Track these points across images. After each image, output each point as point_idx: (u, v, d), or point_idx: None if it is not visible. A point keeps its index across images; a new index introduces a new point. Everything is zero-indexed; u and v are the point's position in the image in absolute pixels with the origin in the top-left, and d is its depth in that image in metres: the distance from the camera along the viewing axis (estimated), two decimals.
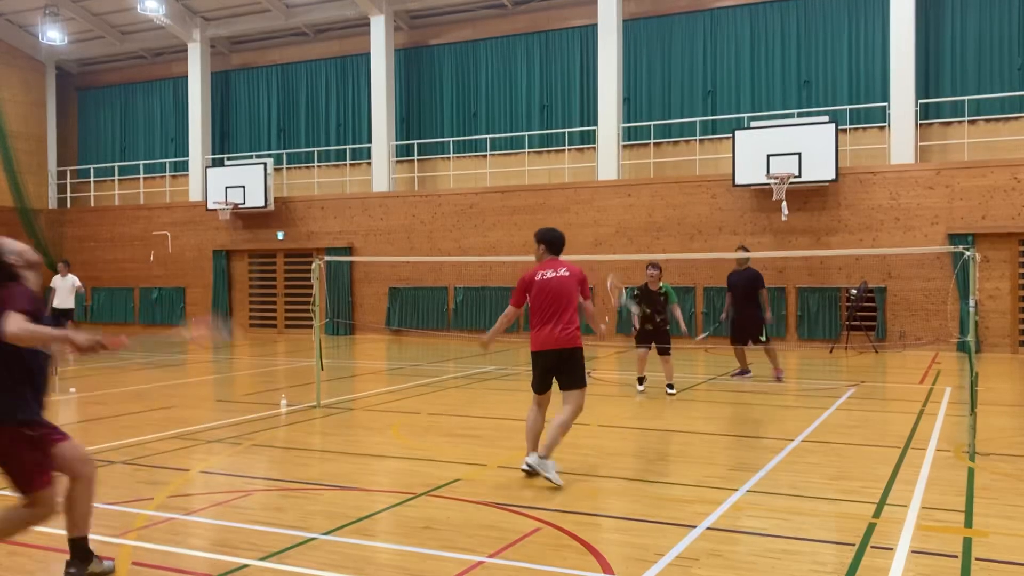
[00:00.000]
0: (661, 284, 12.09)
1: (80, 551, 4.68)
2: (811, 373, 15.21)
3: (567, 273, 7.06)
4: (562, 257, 7.31)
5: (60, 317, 19.26)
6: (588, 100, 22.45)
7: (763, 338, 13.18)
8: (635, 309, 12.05)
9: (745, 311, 13.27)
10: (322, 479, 7.12)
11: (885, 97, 19.48)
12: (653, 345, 12.14)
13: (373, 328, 23.63)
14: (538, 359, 7.11)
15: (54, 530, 5.69)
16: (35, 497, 4.42)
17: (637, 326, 12.21)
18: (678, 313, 12.16)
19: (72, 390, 12.89)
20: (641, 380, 12.29)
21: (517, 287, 7.15)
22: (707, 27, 21.46)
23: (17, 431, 4.34)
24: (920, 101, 19.15)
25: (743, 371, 13.91)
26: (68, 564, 4.68)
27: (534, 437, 7.08)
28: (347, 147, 25.31)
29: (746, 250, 13.79)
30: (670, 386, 11.95)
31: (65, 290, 19.12)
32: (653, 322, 12.06)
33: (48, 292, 19.36)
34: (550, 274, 7.03)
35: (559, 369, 7.03)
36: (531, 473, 6.92)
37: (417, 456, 8.08)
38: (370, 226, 23.85)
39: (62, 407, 11.61)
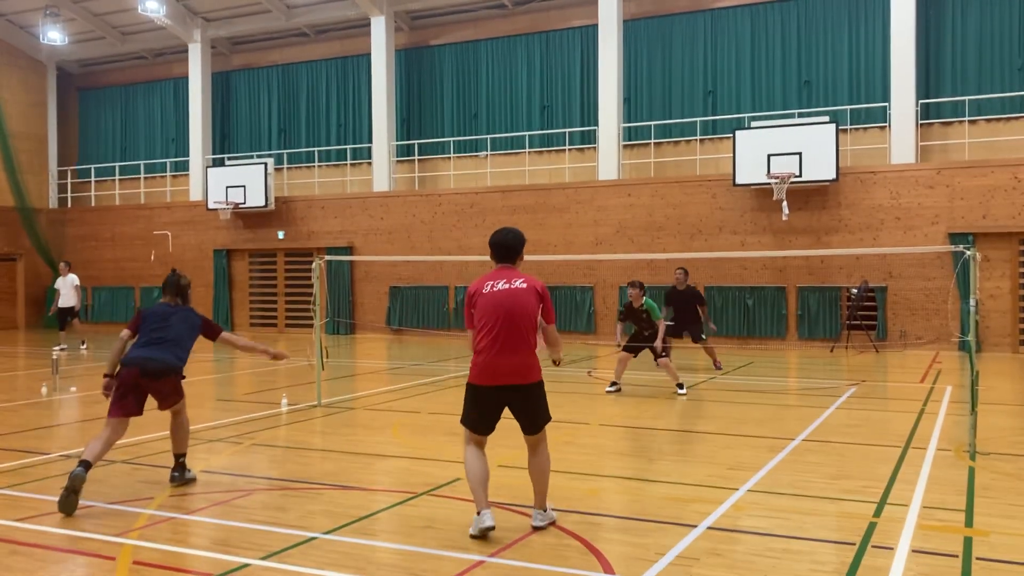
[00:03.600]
0: (644, 300, 12.03)
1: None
2: (811, 372, 15.21)
3: (524, 285, 5.60)
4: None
5: (65, 315, 19.49)
6: (588, 100, 22.45)
7: (703, 336, 14.74)
8: (619, 327, 12.36)
9: (687, 319, 14.48)
10: (323, 478, 7.12)
11: (885, 97, 19.48)
12: (638, 352, 12.31)
13: (373, 327, 23.64)
14: (477, 395, 5.60)
15: (54, 530, 5.70)
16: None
17: (621, 343, 12.35)
18: (662, 328, 12.08)
19: (72, 389, 12.90)
20: (615, 383, 12.21)
21: (465, 303, 5.75)
22: (707, 27, 21.46)
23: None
24: (920, 101, 19.14)
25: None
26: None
27: (484, 488, 5.51)
28: (347, 147, 25.31)
29: (685, 272, 15.02)
30: (680, 386, 11.95)
31: (67, 289, 19.46)
32: (641, 336, 12.21)
33: (52, 292, 19.53)
34: (501, 285, 5.60)
35: (513, 408, 5.63)
36: (483, 536, 5.42)
37: (418, 455, 8.08)
38: (370, 226, 23.85)
39: (63, 406, 11.62)
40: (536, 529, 5.60)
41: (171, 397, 6.89)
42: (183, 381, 6.99)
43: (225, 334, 7.26)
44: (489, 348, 5.50)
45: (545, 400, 5.70)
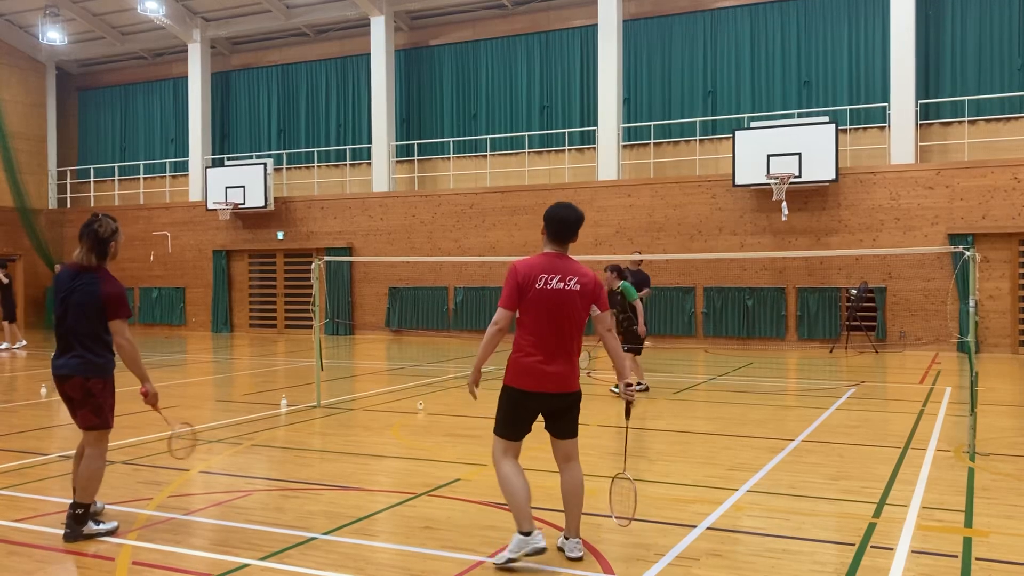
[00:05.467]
0: (619, 284, 11.70)
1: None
2: (811, 373, 15.21)
3: (578, 287, 5.04)
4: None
5: None
6: (588, 100, 22.45)
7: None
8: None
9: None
10: (322, 479, 7.12)
11: (885, 97, 19.48)
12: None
13: (373, 328, 23.63)
14: (520, 400, 5.04)
15: (53, 530, 5.69)
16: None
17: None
18: (640, 310, 11.71)
19: None
20: (642, 382, 12.16)
21: (508, 282, 5.02)
22: (707, 27, 21.46)
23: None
24: (920, 101, 19.15)
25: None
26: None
27: (527, 504, 4.96)
28: (347, 147, 25.31)
29: (640, 254, 15.31)
30: (639, 383, 11.72)
31: None
32: (619, 327, 11.77)
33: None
34: (555, 283, 5.00)
35: (551, 416, 5.14)
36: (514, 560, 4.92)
37: (417, 456, 8.08)
38: (370, 226, 23.85)
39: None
40: (573, 560, 5.00)
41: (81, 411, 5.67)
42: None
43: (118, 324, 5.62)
44: (537, 351, 4.98)
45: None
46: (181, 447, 6.28)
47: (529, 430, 5.14)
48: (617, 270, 11.80)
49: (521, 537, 4.86)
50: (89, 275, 5.62)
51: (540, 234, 5.24)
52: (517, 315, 5.07)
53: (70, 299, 5.60)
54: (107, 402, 5.68)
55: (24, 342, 20.46)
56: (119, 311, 5.59)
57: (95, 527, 5.54)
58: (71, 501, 5.57)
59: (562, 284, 4.99)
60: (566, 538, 5.11)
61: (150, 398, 5.83)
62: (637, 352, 11.82)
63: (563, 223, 5.09)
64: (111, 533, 5.55)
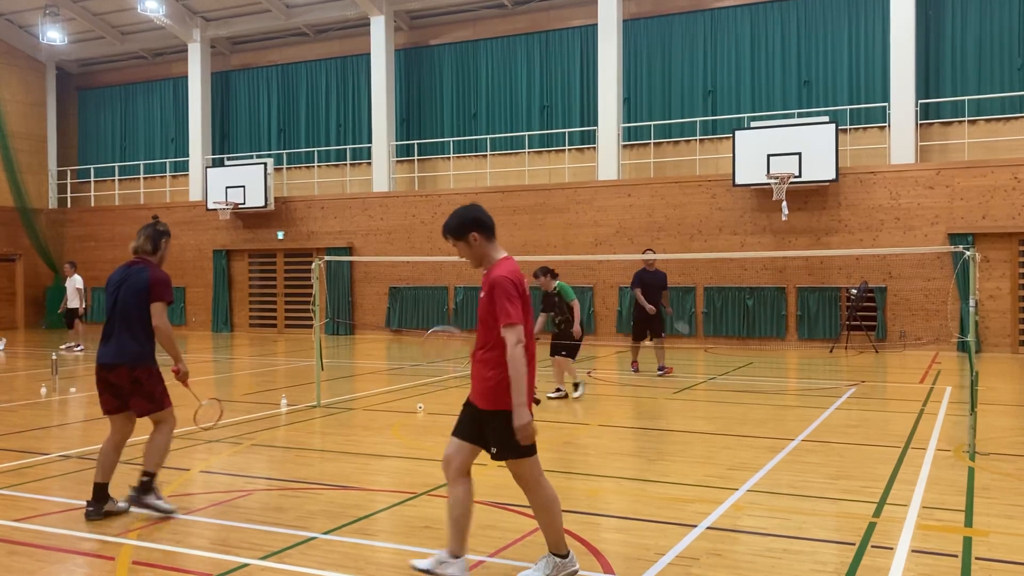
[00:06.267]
0: (554, 285, 11.30)
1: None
2: (811, 373, 15.21)
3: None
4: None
5: (71, 316, 19.67)
6: (588, 100, 22.45)
7: (664, 334, 14.60)
8: (541, 319, 11.39)
9: (660, 309, 14.44)
10: (322, 479, 7.12)
11: (885, 97, 19.48)
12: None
13: (373, 328, 23.63)
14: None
15: (53, 530, 5.69)
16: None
17: (539, 337, 11.52)
18: (577, 311, 11.26)
19: (72, 390, 12.89)
20: (577, 385, 11.53)
21: (511, 293, 4.50)
22: (707, 27, 21.46)
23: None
24: (920, 101, 19.15)
25: (638, 366, 14.76)
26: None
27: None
28: (347, 147, 25.31)
29: (654, 252, 15.21)
30: (575, 385, 11.40)
31: (70, 290, 19.63)
32: (558, 329, 11.40)
33: (56, 292, 19.84)
34: (527, 287, 4.70)
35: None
36: None
37: (417, 456, 8.08)
38: (370, 226, 23.85)
39: (63, 407, 11.61)
40: None
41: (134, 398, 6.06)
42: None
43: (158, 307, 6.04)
44: (532, 364, 4.60)
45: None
46: (208, 416, 6.78)
47: None
48: (549, 272, 11.33)
49: (559, 560, 4.64)
50: (140, 265, 6.15)
51: (471, 242, 4.66)
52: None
53: (121, 288, 6.08)
54: (156, 388, 6.10)
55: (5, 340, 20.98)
56: (163, 294, 6.03)
57: (156, 501, 5.97)
58: (142, 470, 6.05)
59: (527, 288, 4.69)
60: (455, 556, 4.66)
61: (181, 375, 6.22)
62: (572, 354, 11.40)
63: (490, 220, 4.74)
64: (168, 513, 5.94)
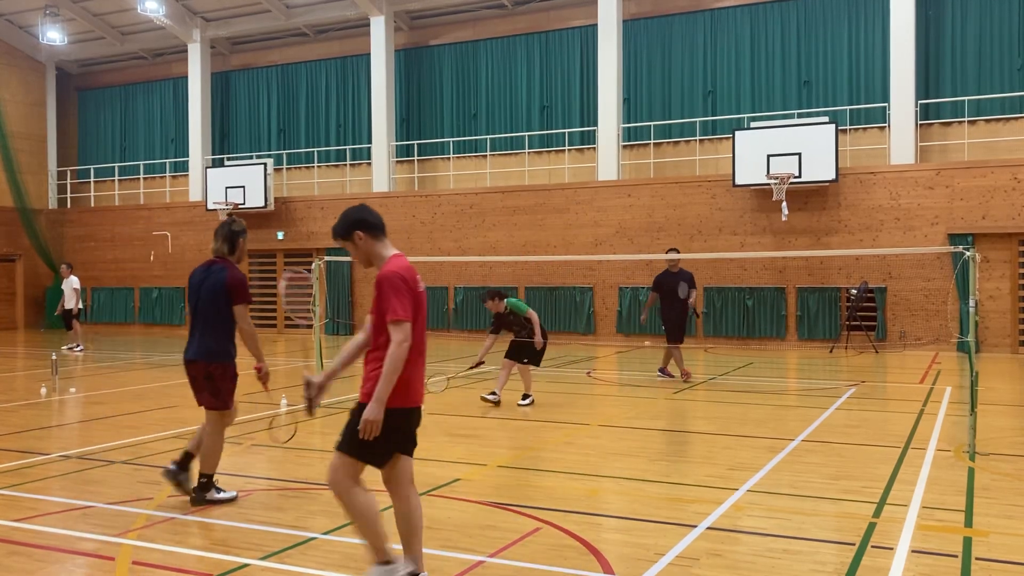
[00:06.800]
0: (504, 305, 11.00)
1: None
2: (811, 373, 15.21)
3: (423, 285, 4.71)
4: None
5: (68, 316, 19.69)
6: (588, 100, 22.45)
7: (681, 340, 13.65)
8: (489, 340, 11.13)
9: (683, 311, 13.43)
10: (322, 479, 7.07)
11: (885, 97, 19.48)
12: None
13: None
14: (411, 418, 4.58)
15: (53, 530, 5.69)
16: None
17: (482, 360, 11.04)
18: (536, 321, 10.98)
19: (72, 390, 12.89)
20: (526, 396, 11.19)
21: (401, 289, 4.46)
22: (707, 27, 21.46)
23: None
24: (920, 101, 19.15)
25: (668, 372, 13.76)
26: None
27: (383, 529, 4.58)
28: (347, 147, 25.31)
29: (677, 252, 14.10)
30: (525, 396, 11.14)
31: (67, 291, 19.63)
32: (520, 337, 11.11)
33: (55, 293, 19.85)
34: (421, 283, 4.67)
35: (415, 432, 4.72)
36: None
37: (417, 456, 8.04)
38: None
39: (62, 407, 11.61)
40: None
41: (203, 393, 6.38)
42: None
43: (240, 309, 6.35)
44: (421, 359, 4.56)
45: None
46: (281, 430, 7.03)
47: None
48: (496, 294, 10.98)
49: (384, 566, 4.51)
50: (219, 266, 6.40)
51: (356, 241, 4.66)
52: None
53: (202, 288, 6.37)
54: (225, 386, 6.36)
55: None
56: (242, 296, 6.32)
57: (216, 494, 6.34)
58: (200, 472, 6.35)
59: (423, 284, 4.66)
60: (388, 563, 4.52)
61: (262, 375, 6.52)
62: (536, 363, 11.18)
63: (377, 217, 4.74)
64: (231, 501, 6.33)
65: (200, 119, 26.52)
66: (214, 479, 6.38)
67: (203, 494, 6.32)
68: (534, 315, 11.04)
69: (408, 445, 4.62)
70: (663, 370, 13.81)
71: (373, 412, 4.35)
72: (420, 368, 4.55)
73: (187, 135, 27.10)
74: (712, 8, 21.43)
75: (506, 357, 11.19)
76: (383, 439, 4.43)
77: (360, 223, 4.65)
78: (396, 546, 4.60)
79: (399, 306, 4.37)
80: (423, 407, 4.64)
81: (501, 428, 9.69)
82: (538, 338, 10.97)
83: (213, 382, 6.32)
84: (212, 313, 6.31)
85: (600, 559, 5.05)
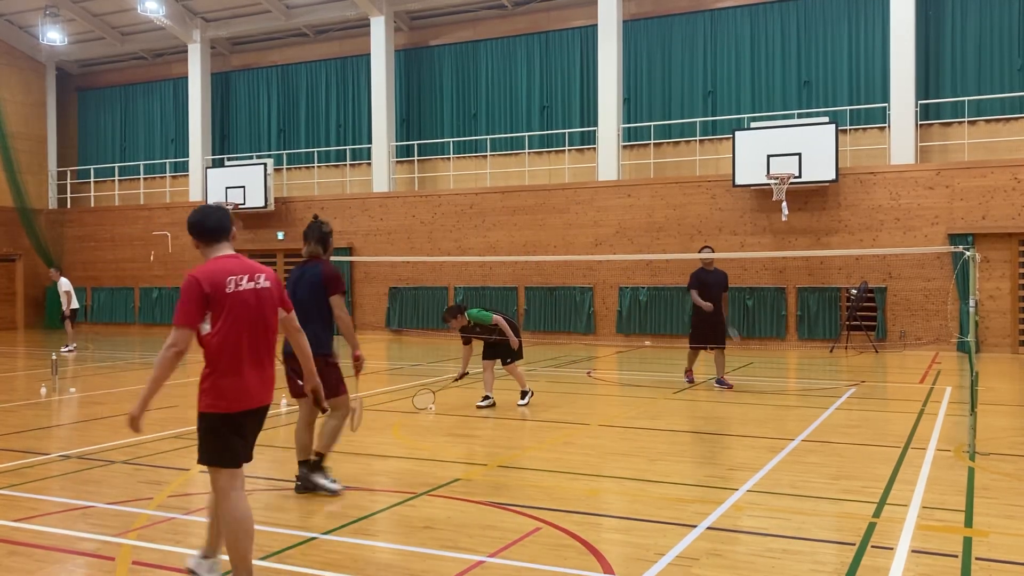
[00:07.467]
0: (467, 319, 10.75)
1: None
2: (811, 373, 15.21)
3: (268, 284, 4.65)
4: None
5: (63, 317, 19.79)
6: (588, 100, 22.45)
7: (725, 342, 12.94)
8: (466, 352, 11.09)
9: (721, 312, 12.82)
10: None
11: (885, 97, 19.48)
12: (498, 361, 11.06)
13: (373, 328, 23.63)
14: (232, 424, 4.44)
15: (53, 530, 5.69)
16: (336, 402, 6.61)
17: (466, 371, 11.06)
18: (504, 325, 10.74)
19: (72, 390, 12.90)
20: (487, 396, 11.03)
21: (185, 293, 4.42)
22: (707, 27, 21.46)
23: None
24: (920, 102, 19.14)
25: (724, 381, 12.81)
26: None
27: (250, 537, 4.46)
28: (347, 147, 25.31)
29: (712, 250, 13.49)
30: (523, 395, 11.06)
31: (62, 294, 19.70)
32: (491, 342, 10.99)
33: (54, 294, 19.97)
34: (246, 283, 4.54)
35: (253, 435, 4.64)
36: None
37: (417, 456, 8.08)
38: (370, 226, 23.85)
39: (62, 407, 11.62)
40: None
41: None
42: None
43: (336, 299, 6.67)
44: (245, 361, 4.48)
45: None
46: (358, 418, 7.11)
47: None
48: (455, 311, 10.78)
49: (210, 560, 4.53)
50: (314, 264, 6.81)
51: (195, 245, 4.69)
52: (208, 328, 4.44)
53: (299, 285, 6.71)
54: (331, 375, 6.60)
55: None
56: (337, 287, 6.69)
57: (323, 480, 6.58)
58: (303, 459, 6.64)
59: (253, 284, 4.56)
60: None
61: (359, 362, 6.93)
62: (518, 357, 10.95)
63: (218, 223, 4.64)
64: (335, 493, 6.52)
65: (200, 119, 26.52)
66: (325, 464, 6.67)
67: (311, 473, 6.58)
68: (500, 319, 10.76)
69: (240, 445, 4.49)
70: (721, 380, 12.75)
71: (133, 410, 4.40)
72: (243, 374, 4.44)
73: (187, 135, 27.10)
74: (712, 8, 21.43)
75: (484, 359, 11.07)
76: (206, 443, 4.43)
77: (192, 228, 4.65)
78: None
79: (179, 311, 4.38)
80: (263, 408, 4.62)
81: (501, 428, 9.69)
82: (513, 340, 10.75)
83: (320, 374, 6.28)
84: (311, 307, 6.60)
85: (600, 559, 5.05)
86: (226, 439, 4.42)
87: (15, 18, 27.61)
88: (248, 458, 4.56)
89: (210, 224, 4.60)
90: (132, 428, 4.42)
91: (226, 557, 4.45)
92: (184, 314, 4.35)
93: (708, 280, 12.80)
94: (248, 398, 4.47)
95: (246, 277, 4.52)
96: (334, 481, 6.63)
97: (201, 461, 4.47)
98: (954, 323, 17.75)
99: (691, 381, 13.11)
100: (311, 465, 6.64)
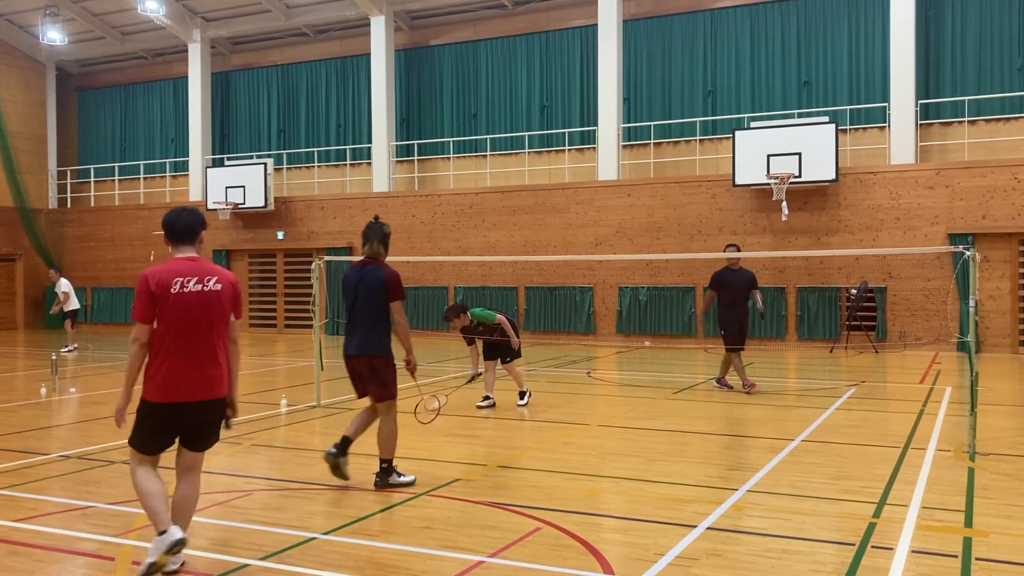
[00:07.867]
0: (469, 318, 10.76)
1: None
2: (811, 373, 15.21)
3: (219, 286, 4.89)
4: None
5: (64, 316, 19.80)
6: (588, 100, 22.45)
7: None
8: (472, 352, 11.07)
9: (745, 312, 12.57)
10: (322, 479, 7.11)
11: (885, 97, 19.48)
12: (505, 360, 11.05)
13: None
14: (157, 414, 4.83)
15: (53, 530, 5.69)
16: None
17: (479, 370, 11.05)
18: (507, 325, 10.75)
19: (72, 390, 12.89)
20: (487, 396, 11.01)
21: (138, 291, 4.81)
22: (707, 27, 21.46)
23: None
24: (920, 101, 19.15)
25: (724, 382, 12.64)
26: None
27: (165, 503, 4.81)
28: (347, 147, 25.31)
29: (737, 248, 13.21)
30: (521, 395, 11.05)
31: (61, 295, 19.71)
32: (492, 340, 10.96)
33: (54, 295, 19.99)
34: (194, 285, 4.81)
35: (192, 427, 4.95)
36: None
37: (417, 456, 8.07)
38: None
39: (62, 407, 11.61)
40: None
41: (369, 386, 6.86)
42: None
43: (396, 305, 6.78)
44: (181, 354, 4.78)
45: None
46: (427, 412, 7.36)
47: (169, 444, 5.00)
48: (457, 311, 10.71)
49: (158, 538, 4.65)
50: (375, 265, 6.82)
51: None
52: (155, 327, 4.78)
53: (359, 287, 6.77)
54: (389, 376, 6.78)
55: None
56: (398, 293, 6.75)
57: (398, 478, 6.81)
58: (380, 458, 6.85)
59: (201, 286, 4.82)
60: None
61: (411, 366, 6.92)
62: (516, 356, 10.96)
63: (185, 227, 4.92)
64: (410, 484, 6.76)
65: (200, 119, 26.52)
66: (394, 464, 6.84)
67: (385, 478, 6.79)
68: (503, 318, 10.74)
69: (164, 436, 4.94)
70: (721, 380, 12.63)
71: (118, 403, 4.92)
72: (181, 367, 4.79)
73: (187, 135, 27.10)
74: (712, 8, 21.43)
75: (486, 359, 11.04)
76: (136, 427, 4.92)
77: (162, 225, 4.99)
78: None
79: (134, 307, 4.82)
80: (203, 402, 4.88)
81: (501, 428, 9.69)
82: (514, 340, 10.76)
83: (379, 375, 6.73)
84: (371, 310, 6.73)
85: (600, 559, 5.05)
86: (149, 426, 4.86)
87: (15, 18, 27.61)
88: (199, 448, 4.99)
89: (178, 227, 4.94)
90: (116, 420, 4.89)
91: (180, 532, 4.66)
92: (138, 310, 4.80)
93: (730, 280, 12.43)
94: (175, 392, 4.79)
95: (194, 279, 4.83)
96: (402, 475, 6.87)
97: (130, 443, 4.95)
98: (954, 323, 17.75)
99: (727, 387, 12.51)
100: (382, 472, 6.84)
